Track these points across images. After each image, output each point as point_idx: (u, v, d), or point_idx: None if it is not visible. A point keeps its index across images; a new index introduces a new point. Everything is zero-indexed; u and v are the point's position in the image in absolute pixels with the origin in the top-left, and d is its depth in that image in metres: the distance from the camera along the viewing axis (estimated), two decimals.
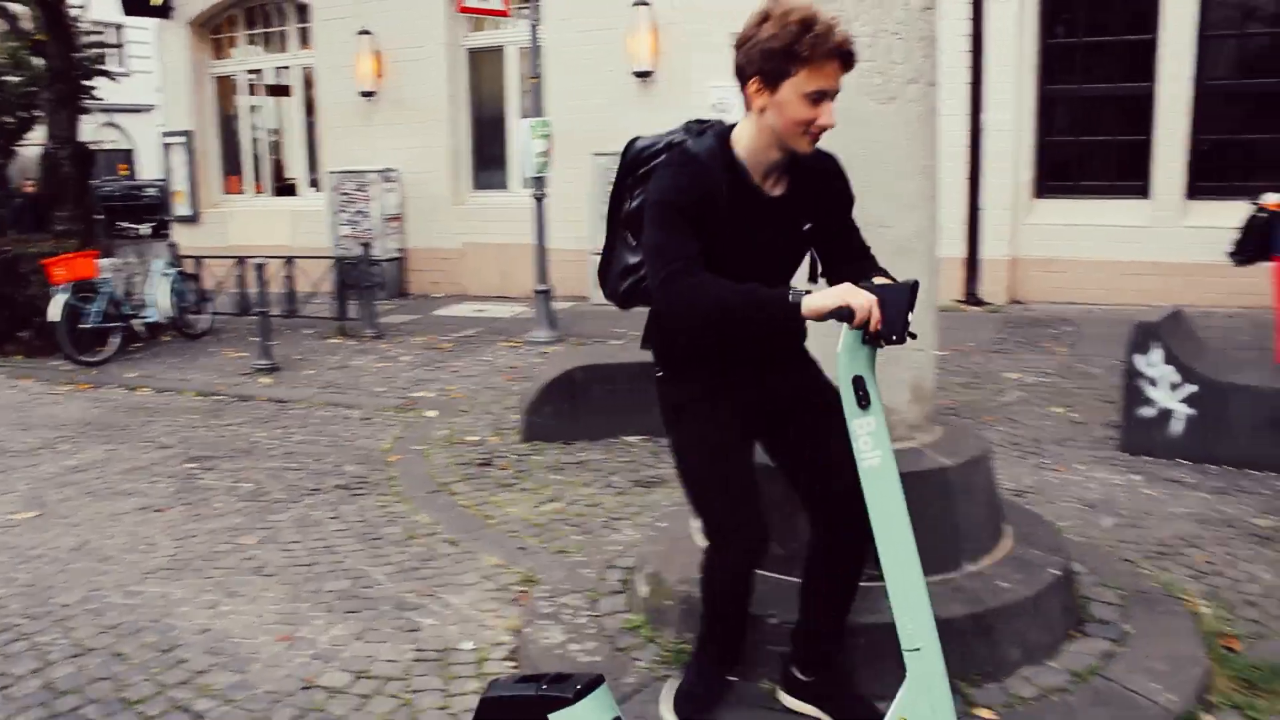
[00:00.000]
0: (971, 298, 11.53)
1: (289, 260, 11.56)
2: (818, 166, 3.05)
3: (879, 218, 3.58)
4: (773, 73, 2.78)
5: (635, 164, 3.12)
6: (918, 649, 2.70)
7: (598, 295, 12.89)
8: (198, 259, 12.07)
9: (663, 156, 3.02)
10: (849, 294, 2.64)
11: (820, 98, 2.77)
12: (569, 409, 7.10)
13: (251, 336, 10.53)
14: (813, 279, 3.18)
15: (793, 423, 3.14)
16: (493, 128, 13.96)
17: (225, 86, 16.04)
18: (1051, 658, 3.50)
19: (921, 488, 3.55)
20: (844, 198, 3.15)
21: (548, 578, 4.47)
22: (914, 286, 2.71)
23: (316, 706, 3.69)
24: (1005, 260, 11.48)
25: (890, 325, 2.62)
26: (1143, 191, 11.24)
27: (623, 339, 10.45)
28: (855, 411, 2.70)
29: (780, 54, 2.75)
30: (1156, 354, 6.45)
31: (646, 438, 7.07)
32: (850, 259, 3.12)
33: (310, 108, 15.17)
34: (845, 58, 2.78)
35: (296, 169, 15.73)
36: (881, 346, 2.69)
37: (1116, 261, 11.14)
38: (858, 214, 3.35)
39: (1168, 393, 6.42)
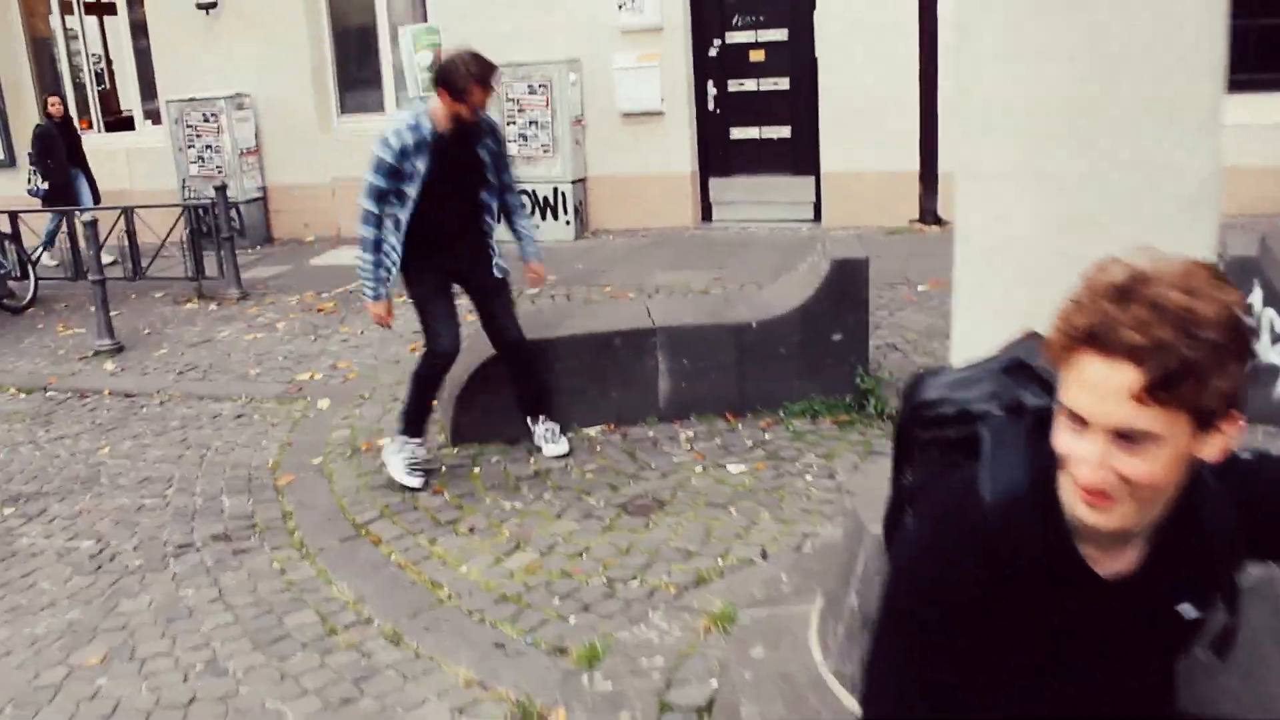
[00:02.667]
0: (929, 216, 10.17)
1: (128, 210, 9.54)
2: (1211, 502, 1.66)
3: (1160, 157, 2.07)
4: None
5: (915, 421, 1.93)
6: None
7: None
8: (13, 214, 9.91)
9: (948, 433, 1.83)
10: None
11: (1079, 423, 1.49)
12: (507, 398, 5.51)
13: (90, 306, 8.57)
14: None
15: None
16: (360, 40, 11.96)
17: (33, 4, 13.59)
18: None
19: None
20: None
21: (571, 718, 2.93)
22: None
23: None
24: None
25: None
26: None
27: (550, 288, 8.82)
28: None
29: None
30: (1256, 295, 5.14)
31: (608, 428, 5.55)
32: None
33: (140, 28, 12.90)
34: (1111, 348, 1.43)
35: (130, 100, 13.47)
36: None
37: None
38: (1116, 149, 2.02)
39: (1269, 344, 5.13)
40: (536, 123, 10.52)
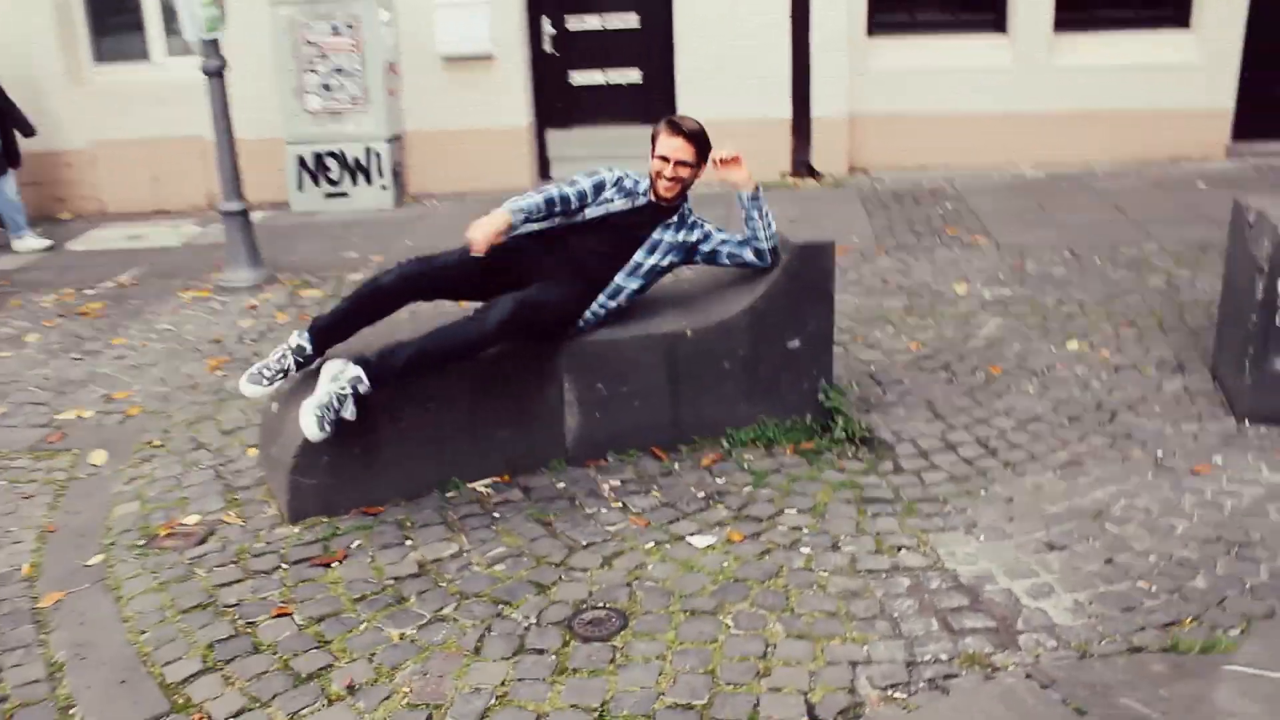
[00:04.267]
0: (803, 168, 9.02)
1: None
2: None
3: None
4: None
5: None
6: None
7: (300, 200, 9.42)
8: None
9: None
10: None
11: None
12: (363, 451, 4.01)
13: None
14: None
15: None
16: None
17: None
18: None
19: None
20: None
21: None
22: None
23: None
24: (841, 120, 8.99)
25: None
26: (998, 25, 9.00)
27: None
28: None
29: None
30: None
31: (501, 480, 4.14)
32: None
33: None
34: None
35: None
36: None
37: (974, 115, 8.93)
38: None
39: None
40: (343, 70, 8.81)
